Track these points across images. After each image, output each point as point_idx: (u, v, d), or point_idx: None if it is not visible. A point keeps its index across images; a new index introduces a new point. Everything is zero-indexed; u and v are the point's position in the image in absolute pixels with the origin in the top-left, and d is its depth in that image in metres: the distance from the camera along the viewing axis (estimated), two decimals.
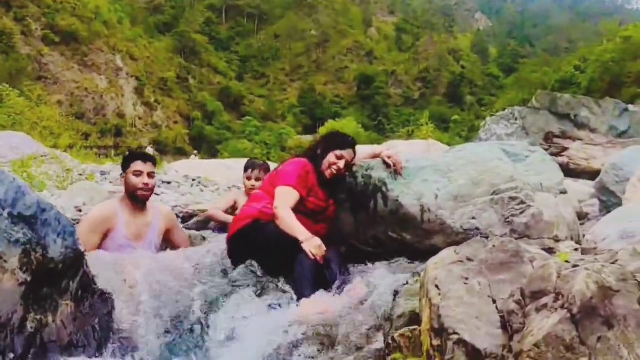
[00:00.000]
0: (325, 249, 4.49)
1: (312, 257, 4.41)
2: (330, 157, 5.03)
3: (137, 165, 5.15)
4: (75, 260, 3.86)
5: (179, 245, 5.40)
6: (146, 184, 5.14)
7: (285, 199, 4.77)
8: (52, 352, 3.61)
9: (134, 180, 5.12)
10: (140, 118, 77.13)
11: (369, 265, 4.72)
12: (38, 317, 3.61)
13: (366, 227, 4.89)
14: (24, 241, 3.56)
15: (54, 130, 30.56)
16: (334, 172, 5.00)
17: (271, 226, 4.70)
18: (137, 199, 5.17)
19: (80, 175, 14.06)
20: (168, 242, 5.41)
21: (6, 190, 3.59)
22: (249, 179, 6.54)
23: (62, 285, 3.79)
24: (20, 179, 3.76)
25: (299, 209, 4.81)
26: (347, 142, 5.17)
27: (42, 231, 3.68)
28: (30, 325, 3.56)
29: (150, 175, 5.17)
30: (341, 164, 5.00)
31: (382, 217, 4.77)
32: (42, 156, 15.89)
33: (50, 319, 3.68)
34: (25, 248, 3.55)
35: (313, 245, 4.46)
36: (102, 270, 4.26)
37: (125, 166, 5.21)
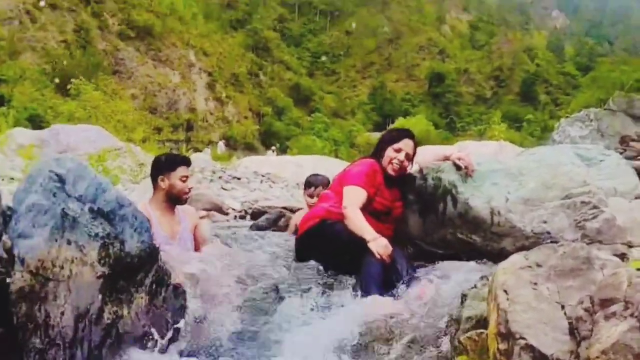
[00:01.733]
0: (391, 248, 4.50)
1: (379, 257, 4.43)
2: (389, 152, 5.03)
3: (183, 171, 5.20)
4: (150, 254, 3.99)
5: (202, 242, 5.41)
6: (190, 189, 5.24)
7: (353, 198, 4.80)
8: (126, 343, 3.75)
9: (181, 185, 5.17)
10: (211, 113, 78.15)
11: (437, 266, 4.71)
12: (114, 309, 3.76)
13: (434, 228, 4.90)
14: (102, 235, 3.70)
15: (128, 124, 31.29)
16: (396, 166, 4.98)
17: (339, 225, 4.74)
18: (177, 202, 5.25)
19: None
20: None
21: (87, 185, 3.74)
22: (310, 196, 6.41)
23: (138, 279, 3.92)
24: (100, 175, 3.90)
25: (366, 209, 4.84)
26: (401, 134, 5.17)
27: (120, 226, 3.82)
28: (107, 317, 3.71)
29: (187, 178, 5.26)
30: (400, 156, 4.99)
31: (451, 219, 4.77)
32: (116, 150, 16.30)
33: (125, 311, 3.81)
34: (103, 242, 3.70)
35: (380, 245, 4.48)
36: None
37: (166, 169, 5.23)
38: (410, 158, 5.05)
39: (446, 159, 4.98)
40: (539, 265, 2.72)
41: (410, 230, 5.05)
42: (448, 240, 4.82)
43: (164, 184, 5.20)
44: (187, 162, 5.33)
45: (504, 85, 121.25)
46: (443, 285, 4.25)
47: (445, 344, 3.23)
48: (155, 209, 5.15)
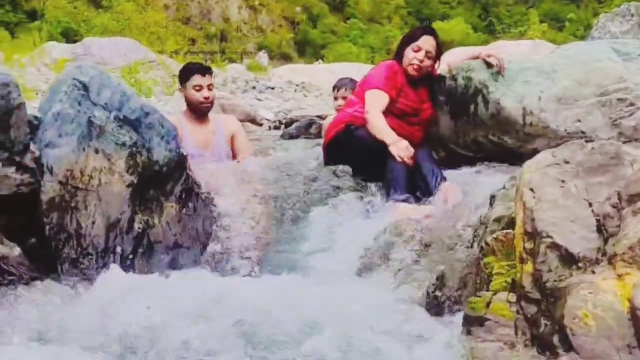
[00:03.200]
0: (412, 151, 4.45)
1: (400, 160, 4.38)
2: (408, 53, 4.88)
3: (196, 80, 5.12)
4: (179, 163, 4.00)
5: (242, 152, 5.36)
6: (206, 98, 5.14)
7: (374, 102, 4.72)
8: (157, 252, 3.80)
9: (195, 95, 5.12)
10: (245, 22, 77.13)
11: (468, 169, 4.65)
12: (145, 218, 3.80)
13: (466, 130, 4.79)
14: (129, 144, 3.71)
15: (161, 35, 31.14)
16: (417, 65, 4.84)
17: (362, 131, 4.68)
18: (199, 112, 5.20)
19: None
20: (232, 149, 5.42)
21: (112, 93, 3.73)
22: (335, 98, 6.35)
23: (167, 188, 3.94)
24: (124, 83, 3.89)
25: (390, 111, 4.75)
26: (419, 31, 4.98)
27: (147, 134, 3.82)
28: (137, 226, 3.76)
29: (210, 87, 5.16)
30: (420, 55, 4.81)
31: (483, 120, 4.66)
32: (149, 62, 16.27)
33: (156, 220, 3.86)
34: (131, 150, 3.71)
35: (400, 148, 4.42)
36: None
37: (183, 80, 5.20)
38: (431, 56, 4.88)
39: (476, 57, 4.84)
40: (566, 162, 2.65)
41: (441, 133, 4.95)
42: (480, 143, 4.72)
43: (182, 95, 5.24)
44: (201, 70, 5.25)
45: None
46: (473, 188, 4.21)
47: (474, 246, 3.20)
48: (187, 120, 5.15)
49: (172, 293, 3.13)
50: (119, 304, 2.98)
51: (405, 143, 4.46)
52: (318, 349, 2.52)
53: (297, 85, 15.95)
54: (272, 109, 12.40)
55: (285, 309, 2.86)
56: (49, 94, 3.70)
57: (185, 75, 5.20)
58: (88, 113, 3.60)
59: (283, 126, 11.07)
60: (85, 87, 3.64)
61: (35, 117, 3.59)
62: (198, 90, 5.11)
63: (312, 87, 15.87)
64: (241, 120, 9.23)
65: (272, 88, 15.32)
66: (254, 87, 15.60)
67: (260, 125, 11.28)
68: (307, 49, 69.01)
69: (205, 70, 5.26)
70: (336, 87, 6.35)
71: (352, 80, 6.22)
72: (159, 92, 11.94)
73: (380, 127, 4.57)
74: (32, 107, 4.29)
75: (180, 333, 2.64)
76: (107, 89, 3.71)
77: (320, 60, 52.16)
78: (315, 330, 2.69)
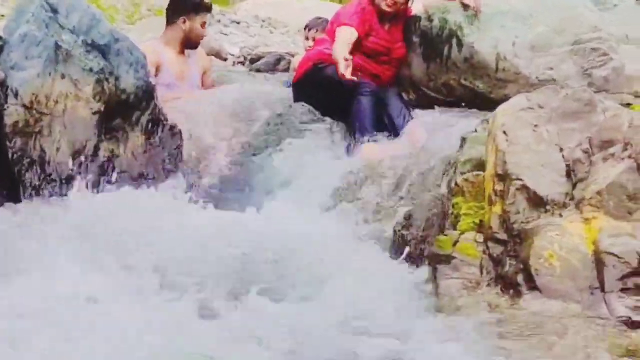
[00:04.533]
0: (351, 75, 4.37)
1: (340, 76, 4.33)
2: None
3: (206, 17, 5.23)
4: (146, 92, 3.91)
5: (208, 87, 5.42)
6: (204, 36, 5.30)
7: (342, 38, 4.66)
8: (123, 182, 3.73)
9: (200, 30, 5.18)
10: None
11: (438, 112, 4.65)
12: (110, 147, 3.74)
13: (438, 73, 4.74)
14: (97, 70, 3.61)
15: None
16: (391, 2, 4.77)
17: (331, 68, 4.62)
18: (192, 46, 5.24)
19: (149, 10, 13.95)
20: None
21: (80, 17, 3.61)
22: (306, 38, 6.22)
23: (133, 118, 3.87)
24: (94, 7, 3.78)
25: (360, 49, 4.72)
26: None
27: (115, 61, 3.72)
28: (102, 154, 3.70)
29: None
30: None
31: (456, 63, 4.63)
32: None
33: (121, 149, 3.80)
34: (98, 77, 3.61)
35: (341, 66, 4.34)
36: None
37: (191, 11, 5.14)
38: None
39: None
40: (540, 107, 2.66)
41: (413, 75, 4.90)
42: (451, 86, 4.70)
43: (184, 25, 5.11)
44: (210, 9, 5.41)
45: None
46: (442, 130, 4.22)
47: (442, 186, 3.23)
48: (168, 47, 5.10)
49: None
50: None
51: (346, 61, 4.37)
52: (275, 287, 2.56)
53: (264, 21, 15.62)
54: (237, 44, 12.17)
55: (244, 243, 2.88)
56: (15, 14, 3.60)
57: (195, 8, 5.16)
58: (55, 36, 3.49)
59: (248, 62, 10.90)
60: (53, 9, 3.53)
61: (0, 37, 3.49)
62: (203, 27, 5.19)
63: (278, 24, 15.56)
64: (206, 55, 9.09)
65: (238, 22, 14.97)
66: (218, 21, 15.21)
67: (225, 60, 11.07)
68: None
69: (211, 9, 5.48)
70: (307, 27, 6.25)
71: (325, 20, 6.12)
72: (120, 20, 11.61)
73: (337, 48, 4.49)
74: None
75: None
76: (76, 12, 3.60)
77: None
78: (277, 266, 2.73)
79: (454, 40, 4.61)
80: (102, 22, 3.73)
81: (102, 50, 3.67)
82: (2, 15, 10.05)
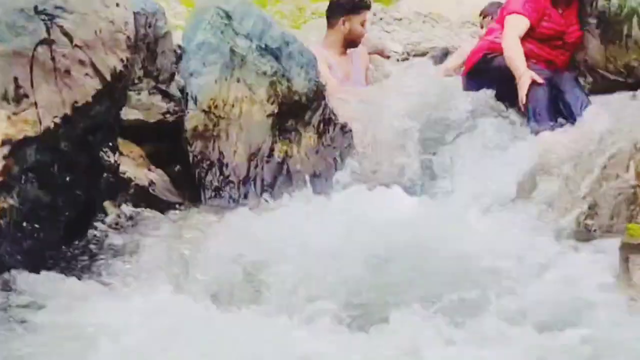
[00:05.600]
0: (541, 80, 4.27)
1: (523, 98, 4.24)
2: None
3: (365, 15, 5.20)
4: (317, 93, 3.96)
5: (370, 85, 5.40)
6: (364, 34, 5.27)
7: (512, 28, 4.53)
8: (297, 181, 3.80)
9: (360, 29, 5.19)
10: None
11: (617, 95, 4.41)
12: (284, 147, 3.81)
13: (618, 54, 4.51)
14: (270, 73, 3.70)
15: None
16: None
17: (500, 59, 4.51)
18: (353, 45, 5.24)
19: (313, 14, 14.19)
20: None
21: (254, 22, 3.71)
22: (481, 26, 6.01)
23: (306, 118, 3.93)
24: (265, 12, 3.87)
25: (533, 36, 4.54)
26: None
27: (287, 64, 3.79)
28: (277, 155, 3.78)
29: None
30: None
31: (637, 43, 4.38)
32: None
33: (295, 150, 3.86)
34: (272, 80, 3.70)
35: (524, 83, 4.26)
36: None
37: (351, 12, 5.14)
38: None
39: None
40: None
41: (590, 57, 4.67)
42: (633, 67, 4.45)
43: (344, 27, 5.15)
44: (369, 6, 5.35)
45: None
46: (623, 114, 3.99)
47: (630, 171, 3.05)
48: (330, 50, 5.15)
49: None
50: None
51: (528, 78, 4.26)
52: (467, 277, 2.50)
53: (425, 16, 15.54)
54: (400, 42, 12.15)
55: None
56: (193, 22, 3.73)
57: (355, 8, 5.18)
58: (231, 42, 3.60)
59: (412, 58, 10.81)
60: (228, 16, 3.63)
61: (179, 46, 3.63)
62: (363, 25, 5.20)
63: (440, 18, 15.42)
64: (369, 54, 9.14)
65: (400, 19, 14.98)
66: (381, 19, 15.31)
67: (388, 58, 11.08)
68: None
69: (371, 6, 5.43)
70: (483, 14, 6.09)
71: (500, 5, 5.96)
72: (285, 25, 11.86)
73: (511, 57, 4.40)
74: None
75: None
76: (249, 18, 3.70)
77: None
78: (463, 259, 2.64)
79: (635, 19, 4.36)
80: (274, 27, 3.82)
81: (275, 54, 3.75)
82: (177, 27, 10.57)
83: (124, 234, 3.06)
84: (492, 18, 5.65)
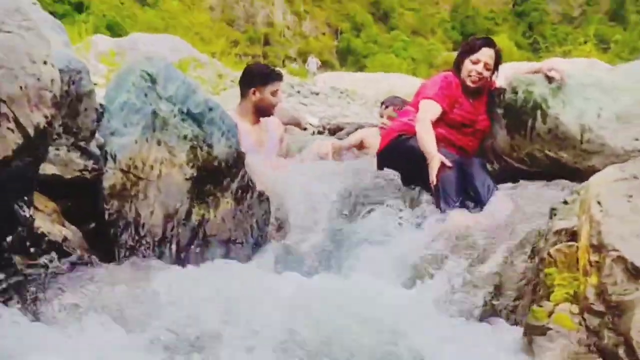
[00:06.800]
0: (450, 164, 4.45)
1: (433, 180, 4.41)
2: (467, 64, 4.85)
3: (276, 85, 5.35)
4: (237, 160, 4.04)
5: (285, 155, 5.60)
6: (277, 103, 5.42)
7: (426, 112, 4.74)
8: (212, 246, 3.84)
9: (271, 99, 5.33)
10: (288, 28, 77.49)
11: (522, 183, 4.63)
12: (201, 211, 3.85)
13: (522, 144, 4.76)
14: (191, 137, 3.77)
15: (205, 35, 31.38)
16: (475, 78, 4.83)
17: (413, 140, 4.70)
18: (265, 114, 5.41)
19: (232, 82, 14.40)
20: None
21: (178, 86, 3.78)
22: (381, 115, 6.25)
23: (224, 184, 3.99)
24: (190, 78, 3.94)
25: (445, 121, 4.78)
26: (478, 44, 4.91)
27: (209, 129, 3.87)
28: (194, 218, 3.81)
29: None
30: (479, 67, 4.79)
31: (540, 135, 4.63)
32: (195, 60, 16.39)
33: (212, 214, 3.90)
34: (192, 144, 3.76)
35: (433, 167, 4.45)
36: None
37: (260, 83, 5.33)
38: (489, 68, 4.86)
39: (536, 72, 4.81)
40: (635, 178, 2.65)
41: (497, 146, 4.93)
42: (535, 157, 4.69)
43: (255, 96, 5.30)
44: (281, 77, 5.49)
45: (593, 4, 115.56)
46: (526, 202, 4.20)
47: (533, 258, 3.20)
48: (243, 118, 5.23)
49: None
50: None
51: (438, 161, 4.45)
52: (366, 352, 2.53)
53: (342, 93, 15.94)
54: (317, 114, 12.42)
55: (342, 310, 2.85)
56: (116, 82, 3.75)
57: (264, 79, 5.35)
58: (153, 105, 3.64)
59: (327, 132, 11.05)
60: (152, 79, 3.69)
61: (101, 105, 3.65)
62: (274, 95, 5.33)
63: (355, 95, 15.85)
64: (285, 124, 9.33)
65: (317, 93, 15.32)
66: (298, 92, 15.66)
67: (304, 129, 11.30)
68: (349, 58, 69.14)
69: (282, 78, 5.55)
70: (384, 104, 6.29)
71: (401, 99, 6.20)
72: (205, 91, 12.00)
73: (423, 139, 4.59)
74: None
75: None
76: (174, 82, 3.76)
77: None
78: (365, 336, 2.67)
79: (539, 112, 4.63)
80: (198, 92, 3.89)
81: (197, 119, 3.82)
82: (96, 84, 10.54)
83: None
84: (392, 109, 5.90)
